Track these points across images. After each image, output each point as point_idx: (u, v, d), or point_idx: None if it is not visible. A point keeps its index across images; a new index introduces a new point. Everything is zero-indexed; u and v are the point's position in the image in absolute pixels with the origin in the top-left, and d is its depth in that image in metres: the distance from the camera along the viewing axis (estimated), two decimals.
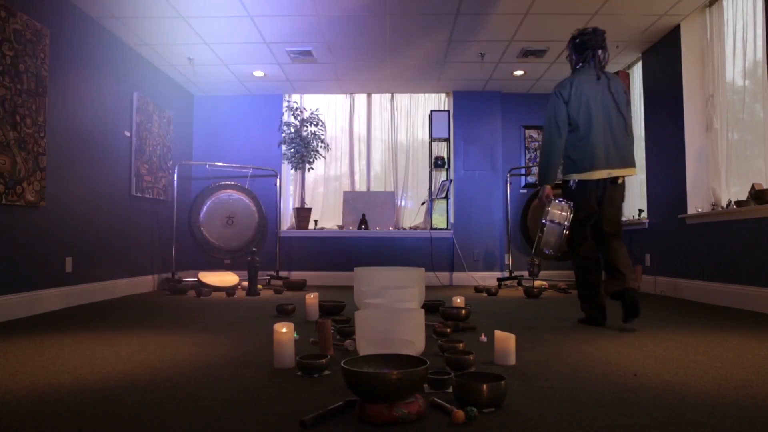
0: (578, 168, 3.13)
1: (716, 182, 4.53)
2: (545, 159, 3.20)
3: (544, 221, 3.17)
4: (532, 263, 5.77)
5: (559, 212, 3.15)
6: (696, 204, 4.68)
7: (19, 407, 1.66)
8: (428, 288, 5.74)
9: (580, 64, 3.22)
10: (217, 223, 6.38)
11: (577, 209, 3.16)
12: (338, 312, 3.60)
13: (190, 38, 5.11)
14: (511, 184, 6.69)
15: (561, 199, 3.21)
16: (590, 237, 3.23)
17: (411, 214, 6.97)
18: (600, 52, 3.17)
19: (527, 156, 6.86)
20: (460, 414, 1.48)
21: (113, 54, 4.99)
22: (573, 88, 3.12)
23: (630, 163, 3.14)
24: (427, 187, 6.89)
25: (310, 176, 6.99)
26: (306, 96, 7.02)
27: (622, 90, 3.17)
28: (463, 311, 3.25)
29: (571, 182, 3.19)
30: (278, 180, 6.62)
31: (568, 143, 3.16)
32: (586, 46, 3.18)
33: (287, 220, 6.98)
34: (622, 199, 3.19)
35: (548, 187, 3.26)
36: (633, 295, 2.96)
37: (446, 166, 6.81)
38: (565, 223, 3.13)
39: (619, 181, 3.15)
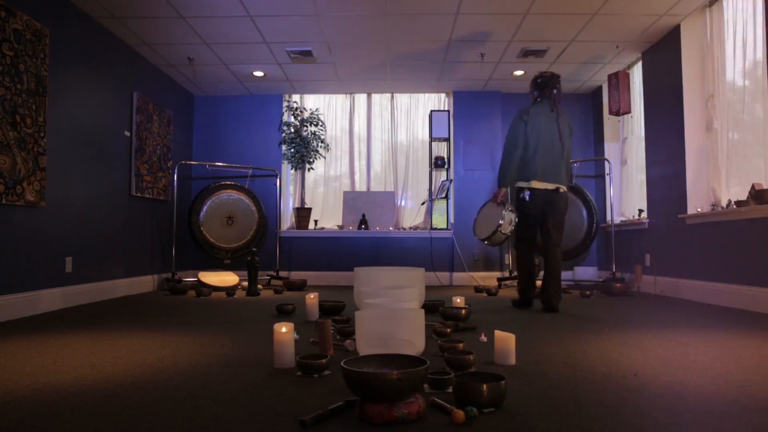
0: (523, 177, 3.90)
1: (716, 182, 4.53)
2: (504, 166, 3.92)
3: (499, 227, 4.03)
4: None
5: (509, 225, 4.02)
6: (696, 204, 4.68)
7: (19, 407, 1.66)
8: (428, 288, 5.73)
9: (539, 99, 4.01)
10: (217, 223, 6.38)
11: (527, 215, 3.93)
12: (338, 312, 3.60)
13: (190, 38, 5.11)
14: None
15: (513, 210, 4.01)
16: (535, 239, 4.00)
17: (411, 214, 6.97)
18: (555, 91, 3.97)
19: None
20: (460, 414, 1.48)
21: (113, 54, 4.99)
22: (530, 115, 3.90)
23: (561, 181, 3.91)
24: (427, 187, 6.89)
25: (310, 176, 6.99)
26: (306, 96, 7.02)
27: (567, 124, 3.96)
28: (463, 311, 3.26)
29: (523, 195, 3.92)
30: (278, 180, 6.62)
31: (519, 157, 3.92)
32: (546, 86, 3.98)
33: (287, 220, 6.98)
34: (566, 206, 3.94)
35: (504, 189, 4.02)
36: (553, 306, 3.81)
37: (446, 166, 6.81)
38: (509, 233, 4.08)
39: (561, 190, 3.90)
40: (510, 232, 3.99)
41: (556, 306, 3.82)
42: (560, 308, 3.93)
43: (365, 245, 6.66)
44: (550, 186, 3.86)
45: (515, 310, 4.02)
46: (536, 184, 3.85)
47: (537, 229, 3.99)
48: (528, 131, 3.87)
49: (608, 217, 6.31)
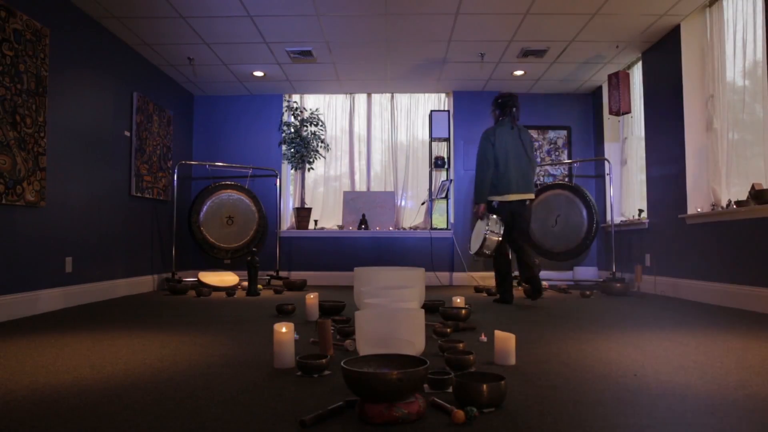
0: (499, 192, 4.29)
1: (716, 182, 4.53)
2: (479, 185, 4.29)
3: (485, 232, 4.24)
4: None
5: (497, 225, 4.26)
6: (696, 204, 4.68)
7: (19, 407, 1.66)
8: (428, 288, 5.73)
9: (501, 118, 4.40)
10: (217, 223, 6.38)
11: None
12: (338, 312, 3.60)
13: (190, 38, 5.11)
14: None
15: (495, 216, 4.30)
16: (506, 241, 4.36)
17: (411, 214, 6.96)
18: (514, 110, 4.38)
19: None
20: (460, 414, 1.48)
21: (113, 54, 4.99)
22: (496, 136, 4.28)
23: (531, 190, 4.34)
24: (427, 187, 6.89)
25: (310, 176, 7.00)
26: (306, 96, 7.02)
27: (528, 138, 4.40)
28: (463, 311, 3.26)
29: (495, 203, 4.35)
30: (278, 180, 6.62)
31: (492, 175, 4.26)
32: (506, 105, 4.37)
33: (287, 220, 6.98)
34: (529, 215, 4.37)
35: (483, 205, 4.36)
36: (537, 279, 4.18)
37: (446, 166, 6.81)
38: (500, 237, 4.27)
39: (527, 203, 4.32)
40: (499, 230, 4.23)
41: (538, 279, 4.15)
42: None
43: (365, 245, 6.66)
44: (520, 197, 4.28)
45: (515, 309, 4.02)
46: (510, 197, 4.26)
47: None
48: (497, 151, 4.26)
49: (608, 217, 6.31)
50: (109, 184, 4.89)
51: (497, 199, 4.31)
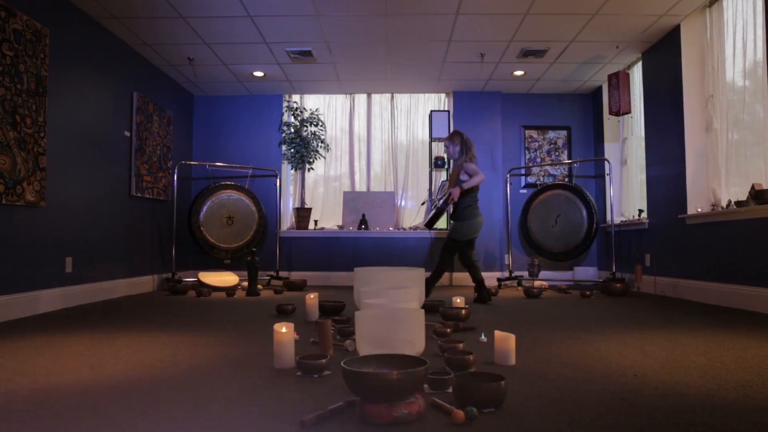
0: (476, 213, 4.67)
1: (716, 182, 4.53)
2: (471, 184, 4.56)
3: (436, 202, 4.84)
4: (532, 263, 5.76)
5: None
6: (696, 204, 4.68)
7: (19, 407, 1.66)
8: None
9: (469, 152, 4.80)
10: (217, 223, 6.38)
11: (459, 240, 4.65)
12: (338, 312, 3.60)
13: (190, 38, 5.11)
14: (511, 184, 6.69)
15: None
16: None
17: (411, 214, 6.96)
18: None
19: (527, 156, 6.86)
20: (460, 414, 1.48)
21: (113, 54, 4.99)
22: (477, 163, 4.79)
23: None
24: (427, 187, 6.89)
25: (310, 176, 6.99)
26: (306, 96, 7.02)
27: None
28: (463, 311, 3.26)
29: (468, 222, 4.63)
30: (278, 180, 6.62)
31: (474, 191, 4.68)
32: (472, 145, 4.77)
33: (287, 220, 6.98)
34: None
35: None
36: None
37: (446, 166, 6.81)
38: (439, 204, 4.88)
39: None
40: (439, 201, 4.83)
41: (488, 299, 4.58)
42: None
43: (365, 245, 6.66)
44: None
45: (515, 309, 4.02)
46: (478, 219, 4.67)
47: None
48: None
49: (608, 217, 6.31)
50: (109, 184, 4.89)
51: (472, 219, 4.62)
